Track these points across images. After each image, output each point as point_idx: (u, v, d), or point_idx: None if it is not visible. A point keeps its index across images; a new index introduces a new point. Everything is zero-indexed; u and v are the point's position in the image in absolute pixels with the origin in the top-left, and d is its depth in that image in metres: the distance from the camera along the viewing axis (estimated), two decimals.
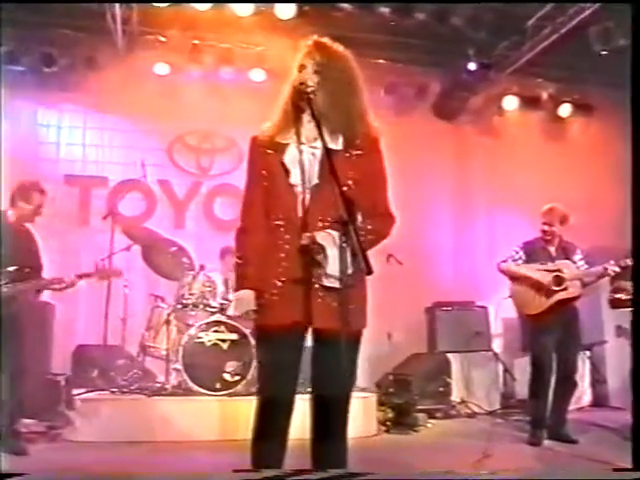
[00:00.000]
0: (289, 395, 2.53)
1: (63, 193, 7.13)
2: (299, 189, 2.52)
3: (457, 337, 7.15)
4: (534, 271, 5.24)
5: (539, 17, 6.82)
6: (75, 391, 5.50)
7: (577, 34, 6.65)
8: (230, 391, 5.39)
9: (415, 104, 8.09)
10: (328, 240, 2.40)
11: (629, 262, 4.83)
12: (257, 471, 2.38)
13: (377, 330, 6.81)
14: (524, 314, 5.43)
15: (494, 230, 8.16)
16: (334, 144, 2.54)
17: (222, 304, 5.77)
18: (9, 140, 7.05)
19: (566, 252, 5.35)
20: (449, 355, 6.94)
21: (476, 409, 6.70)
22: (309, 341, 2.55)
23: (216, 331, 5.55)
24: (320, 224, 2.47)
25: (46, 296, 6.48)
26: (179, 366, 5.49)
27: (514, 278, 5.37)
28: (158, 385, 5.73)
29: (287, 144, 2.57)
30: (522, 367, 6.41)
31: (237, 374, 5.44)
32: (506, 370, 7.15)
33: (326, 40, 2.67)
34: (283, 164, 2.55)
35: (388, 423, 5.81)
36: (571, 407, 5.52)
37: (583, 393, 7.16)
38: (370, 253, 6.71)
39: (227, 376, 5.43)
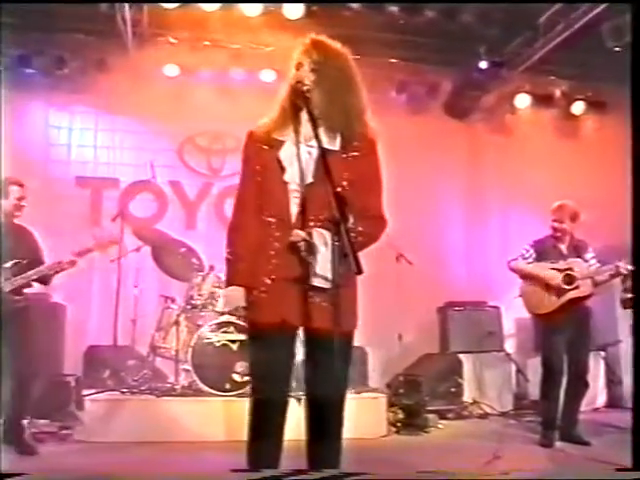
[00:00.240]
0: (281, 394, 2.51)
1: (74, 195, 7.20)
2: (293, 186, 2.51)
3: (469, 337, 7.09)
4: (545, 270, 5.18)
5: (551, 14, 6.73)
6: (86, 392, 5.53)
7: (590, 30, 6.57)
8: (240, 392, 5.37)
9: (427, 103, 8.04)
10: (319, 239, 2.38)
11: None
12: (255, 471, 2.36)
13: (388, 331, 6.80)
14: (534, 313, 5.37)
15: (507, 229, 8.08)
16: (331, 144, 2.53)
17: None
18: (21, 142, 7.14)
19: (577, 250, 5.28)
20: (461, 355, 6.89)
21: (488, 410, 6.64)
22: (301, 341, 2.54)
23: (225, 332, 5.54)
24: (312, 223, 2.45)
25: (57, 297, 6.60)
26: (188, 367, 5.50)
27: (524, 277, 5.32)
28: (168, 386, 5.74)
29: (283, 141, 2.57)
30: (535, 367, 6.31)
31: (247, 375, 5.42)
32: (519, 370, 7.09)
33: (324, 38, 2.66)
34: (279, 161, 2.54)
35: (398, 424, 5.77)
36: (585, 408, 5.46)
37: (598, 394, 7.08)
38: (380, 253, 6.67)
39: (236, 377, 5.42)
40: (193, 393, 5.48)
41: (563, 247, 5.30)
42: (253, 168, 2.60)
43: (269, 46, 7.05)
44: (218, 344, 5.51)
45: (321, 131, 2.49)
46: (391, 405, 5.86)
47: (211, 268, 5.96)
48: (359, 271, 2.19)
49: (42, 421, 5.36)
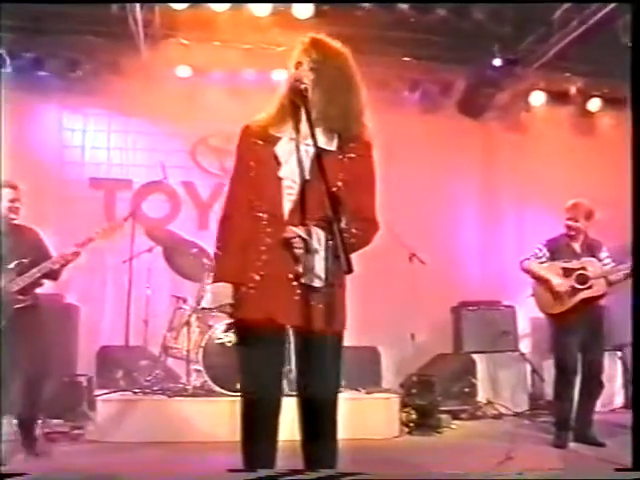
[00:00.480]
0: (271, 394, 2.49)
1: (88, 196, 7.25)
2: (287, 183, 2.49)
3: (483, 337, 7.03)
4: (557, 269, 5.12)
5: (565, 10, 6.65)
6: (99, 392, 5.56)
7: (604, 27, 6.48)
8: None
9: (440, 101, 7.98)
10: (312, 237, 2.36)
11: None
12: (251, 471, 2.35)
13: (401, 330, 6.76)
14: (547, 313, 5.30)
15: (522, 228, 8.00)
16: (329, 144, 2.52)
17: None
18: (36, 144, 7.22)
19: (591, 249, 5.21)
20: (475, 355, 6.84)
21: (503, 410, 6.59)
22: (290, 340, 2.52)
23: None
24: (305, 221, 2.43)
25: (71, 298, 6.66)
26: (200, 367, 5.51)
27: (537, 276, 5.26)
28: (180, 386, 5.75)
29: (280, 137, 2.55)
30: (551, 368, 6.26)
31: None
32: (534, 370, 7.02)
33: (324, 37, 2.65)
34: (275, 156, 2.52)
35: (411, 424, 5.74)
36: (602, 409, 5.38)
37: (615, 394, 6.98)
38: (393, 253, 6.58)
39: None
40: (205, 393, 5.48)
41: (577, 246, 5.24)
42: (247, 163, 2.58)
43: (280, 46, 7.04)
44: (229, 344, 5.49)
45: (319, 131, 2.48)
46: (404, 405, 5.83)
47: None
48: (349, 270, 2.17)
49: (55, 421, 5.40)
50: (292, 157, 2.50)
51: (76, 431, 5.30)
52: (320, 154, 2.38)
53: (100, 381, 6.09)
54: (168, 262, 6.22)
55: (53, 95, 7.25)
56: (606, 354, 5.38)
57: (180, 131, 7.43)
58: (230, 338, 5.51)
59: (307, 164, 2.49)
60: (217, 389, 5.40)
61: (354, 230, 2.49)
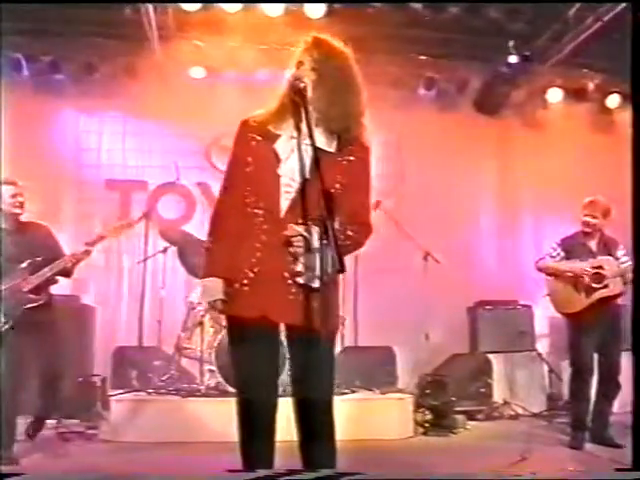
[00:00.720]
0: (265, 393, 2.48)
1: (104, 197, 7.31)
2: (285, 180, 2.48)
3: (500, 337, 6.96)
4: (572, 269, 5.05)
5: (579, 7, 6.57)
6: (113, 392, 5.59)
7: (620, 23, 6.38)
8: None
9: (456, 99, 7.93)
10: (312, 235, 2.34)
11: None
12: (250, 471, 2.34)
13: (417, 331, 6.71)
14: (562, 313, 5.24)
15: (539, 226, 7.92)
16: (329, 145, 2.52)
17: None
18: (54, 147, 7.29)
19: (608, 248, 5.13)
20: (491, 355, 6.78)
21: (520, 411, 6.51)
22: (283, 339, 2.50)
23: None
24: (302, 220, 2.41)
25: (87, 299, 6.71)
26: (213, 367, 5.52)
27: (556, 272, 5.18)
28: (193, 386, 5.76)
29: (279, 135, 2.54)
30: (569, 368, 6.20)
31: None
32: (551, 371, 6.93)
33: (326, 37, 2.63)
34: (275, 154, 2.51)
35: (426, 425, 5.70)
36: (622, 410, 5.28)
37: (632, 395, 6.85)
38: (408, 253, 6.53)
39: None
40: (218, 394, 5.48)
41: (593, 244, 5.16)
42: (244, 158, 2.55)
43: (294, 46, 7.03)
44: None
45: (320, 131, 2.48)
46: (418, 406, 5.79)
47: None
48: (342, 269, 2.16)
49: (71, 421, 5.45)
50: (292, 155, 2.49)
51: (90, 431, 5.35)
52: (319, 155, 2.37)
53: (115, 381, 6.12)
54: (182, 262, 6.25)
55: (69, 98, 7.32)
56: (623, 354, 5.29)
57: (194, 132, 7.43)
58: None
59: (307, 163, 2.47)
60: (230, 389, 5.40)
61: (349, 232, 2.48)
